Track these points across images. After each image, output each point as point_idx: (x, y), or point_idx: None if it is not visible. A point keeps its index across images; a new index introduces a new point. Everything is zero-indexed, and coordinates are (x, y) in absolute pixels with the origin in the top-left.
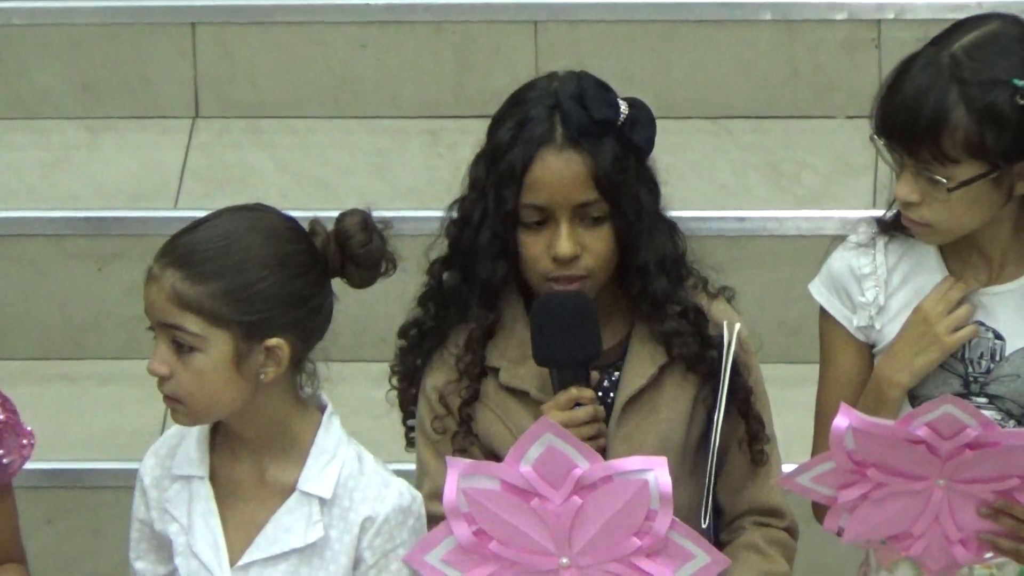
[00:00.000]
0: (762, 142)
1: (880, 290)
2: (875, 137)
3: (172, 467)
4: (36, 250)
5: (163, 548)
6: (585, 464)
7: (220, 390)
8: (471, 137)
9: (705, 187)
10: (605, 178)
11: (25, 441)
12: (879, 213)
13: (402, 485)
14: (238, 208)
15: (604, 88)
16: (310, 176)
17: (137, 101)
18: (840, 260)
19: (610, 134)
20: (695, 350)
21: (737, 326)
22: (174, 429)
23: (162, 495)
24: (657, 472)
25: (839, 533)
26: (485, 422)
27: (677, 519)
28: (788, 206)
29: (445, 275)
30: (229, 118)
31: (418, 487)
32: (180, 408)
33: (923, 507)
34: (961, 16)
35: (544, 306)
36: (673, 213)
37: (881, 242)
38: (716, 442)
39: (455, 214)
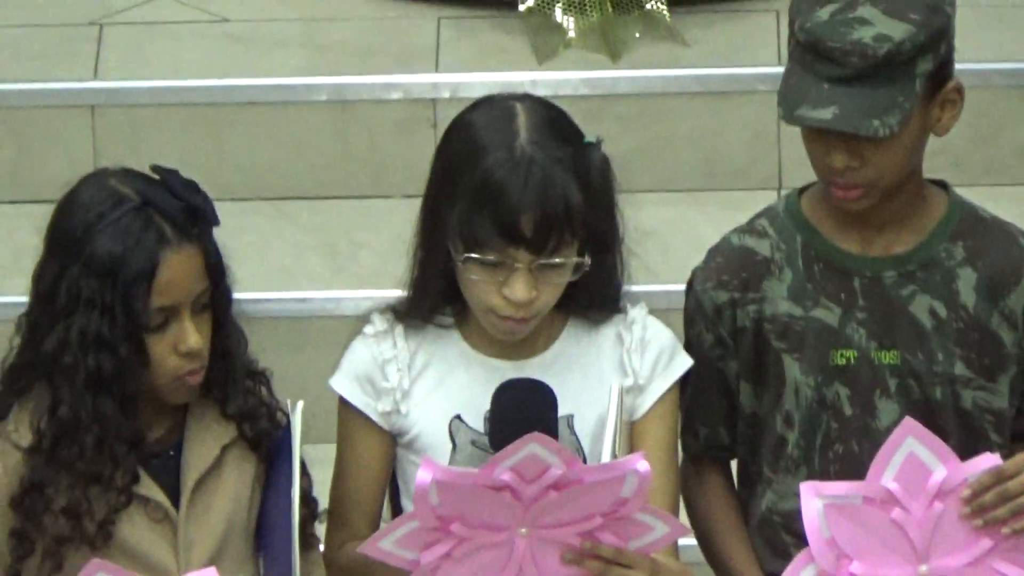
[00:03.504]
0: (320, 223)
1: (404, 374)
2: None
3: None
4: None
5: None
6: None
7: None
8: (28, 222)
9: (264, 269)
10: (216, 264)
11: None
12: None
13: None
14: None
15: (175, 174)
16: None
17: None
18: (361, 349)
19: (199, 218)
20: (264, 428)
21: (300, 404)
22: None
23: None
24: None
25: None
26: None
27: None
28: (347, 286)
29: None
30: None
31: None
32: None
33: (506, 559)
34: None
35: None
36: (236, 296)
37: (399, 328)
38: None
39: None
